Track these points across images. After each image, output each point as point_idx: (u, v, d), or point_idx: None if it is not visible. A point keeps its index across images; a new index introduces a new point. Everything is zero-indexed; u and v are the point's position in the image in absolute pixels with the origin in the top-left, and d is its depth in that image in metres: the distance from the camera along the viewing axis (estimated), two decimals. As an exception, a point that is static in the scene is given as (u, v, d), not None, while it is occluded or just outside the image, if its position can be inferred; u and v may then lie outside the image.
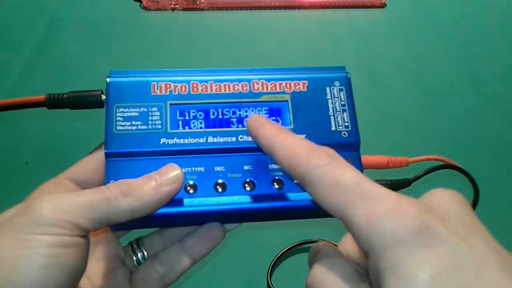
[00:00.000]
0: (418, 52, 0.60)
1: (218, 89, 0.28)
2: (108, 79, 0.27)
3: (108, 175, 0.25)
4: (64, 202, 0.22)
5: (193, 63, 0.57)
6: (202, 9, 0.65)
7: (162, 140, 0.26)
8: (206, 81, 0.28)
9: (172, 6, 0.64)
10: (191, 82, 0.28)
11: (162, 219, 0.25)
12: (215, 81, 0.28)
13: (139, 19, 0.63)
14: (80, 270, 0.22)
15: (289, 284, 0.39)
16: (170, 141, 0.26)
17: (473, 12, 0.67)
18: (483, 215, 0.24)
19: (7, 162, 0.48)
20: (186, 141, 0.26)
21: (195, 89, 0.27)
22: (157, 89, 0.27)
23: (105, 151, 0.26)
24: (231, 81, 0.28)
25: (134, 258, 0.28)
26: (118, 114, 0.26)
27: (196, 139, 0.26)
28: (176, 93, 0.27)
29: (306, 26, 0.63)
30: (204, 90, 0.27)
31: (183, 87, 0.27)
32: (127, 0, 0.65)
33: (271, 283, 0.39)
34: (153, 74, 0.28)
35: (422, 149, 0.41)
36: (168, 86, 0.27)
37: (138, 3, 0.65)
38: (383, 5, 0.66)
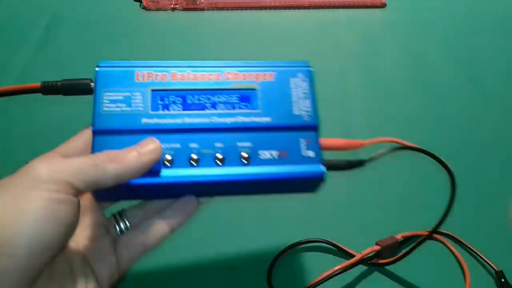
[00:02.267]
0: (418, 52, 0.60)
1: (194, 78, 0.31)
2: (96, 68, 0.30)
3: (95, 149, 0.28)
4: (59, 164, 0.24)
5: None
6: (202, 9, 0.65)
7: (144, 120, 0.29)
8: (185, 70, 0.31)
9: (172, 6, 0.64)
10: (170, 72, 0.31)
11: (143, 188, 0.28)
12: (192, 70, 0.31)
13: (139, 19, 0.63)
14: (72, 226, 0.24)
15: (289, 283, 0.39)
16: (151, 121, 0.29)
17: (472, 12, 0.67)
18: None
19: (7, 158, 0.48)
20: (164, 121, 0.29)
21: (174, 78, 0.31)
22: (140, 77, 0.30)
23: (93, 129, 0.28)
24: (206, 71, 0.31)
25: (117, 227, 0.31)
26: (104, 98, 0.29)
27: (174, 119, 0.29)
28: (157, 80, 0.30)
29: (306, 26, 0.63)
30: (182, 78, 0.31)
31: (164, 75, 0.31)
32: (127, 0, 0.65)
33: (271, 282, 0.38)
34: (137, 64, 0.31)
35: (422, 146, 0.41)
36: (150, 74, 0.31)
37: (138, 3, 0.65)
38: (383, 5, 0.66)
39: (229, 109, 0.30)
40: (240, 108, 0.31)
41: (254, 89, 0.31)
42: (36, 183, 0.23)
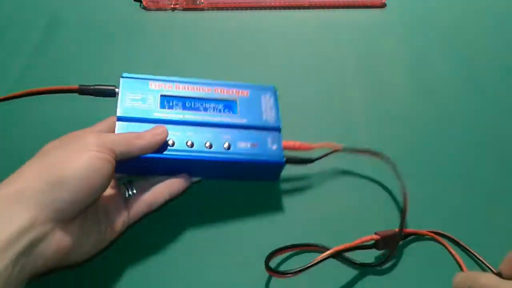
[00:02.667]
0: (418, 52, 0.60)
1: (193, 89, 0.42)
2: (121, 78, 0.41)
3: (118, 131, 0.38)
4: (102, 136, 0.34)
5: (193, 62, 0.57)
6: (202, 9, 0.65)
7: (154, 114, 0.40)
8: (185, 84, 0.42)
9: (172, 6, 0.64)
10: (175, 84, 0.42)
11: (154, 161, 0.38)
12: (191, 85, 0.42)
13: (139, 19, 0.63)
14: (109, 179, 0.33)
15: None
16: (159, 115, 0.40)
17: (473, 12, 0.67)
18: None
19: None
20: (169, 116, 0.40)
21: (177, 88, 0.42)
22: (153, 86, 0.41)
23: (117, 116, 0.39)
24: (201, 85, 0.43)
25: (127, 193, 0.39)
26: (127, 97, 0.40)
27: (176, 115, 0.40)
28: (166, 89, 0.42)
29: (306, 26, 0.63)
30: (184, 89, 0.42)
31: (170, 86, 0.42)
32: (127, 0, 0.65)
33: (270, 267, 0.37)
34: (151, 77, 0.42)
35: (423, 147, 0.41)
36: (160, 84, 0.42)
37: (138, 3, 0.65)
38: (383, 5, 0.66)
39: (216, 112, 0.42)
40: (224, 112, 0.42)
41: (234, 101, 0.43)
42: (87, 145, 0.32)
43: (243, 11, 0.65)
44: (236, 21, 0.64)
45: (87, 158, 0.31)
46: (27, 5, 0.64)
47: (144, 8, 0.64)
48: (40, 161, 0.32)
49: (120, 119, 0.39)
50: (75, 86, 0.42)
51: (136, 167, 0.39)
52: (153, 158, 0.38)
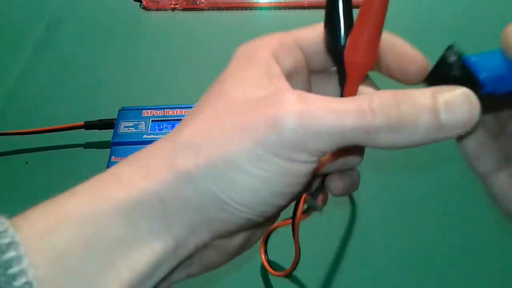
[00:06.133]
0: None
1: (181, 112, 0.47)
2: (119, 111, 0.47)
3: (112, 155, 0.44)
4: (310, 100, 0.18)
5: (193, 63, 0.57)
6: (202, 9, 0.65)
7: (145, 136, 0.45)
8: (174, 109, 0.48)
9: (172, 6, 0.64)
10: (165, 110, 0.47)
11: None
12: (179, 108, 0.48)
13: (139, 19, 0.63)
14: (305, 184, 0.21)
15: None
16: (149, 137, 0.45)
17: (473, 12, 0.67)
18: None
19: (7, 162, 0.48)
20: (158, 136, 0.44)
21: (167, 113, 0.47)
22: (146, 114, 0.47)
23: (112, 141, 0.45)
24: (189, 108, 0.47)
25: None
26: (121, 125, 0.46)
27: (164, 135, 0.40)
28: (156, 115, 0.47)
29: (306, 26, 0.63)
30: (172, 113, 0.47)
31: (161, 112, 0.47)
32: (127, 0, 0.65)
33: (266, 254, 0.38)
34: (145, 107, 0.48)
35: (423, 147, 0.41)
36: (152, 112, 0.47)
37: (138, 3, 0.65)
38: (383, 5, 0.66)
39: None
40: None
41: None
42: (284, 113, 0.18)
43: (243, 11, 0.65)
44: (236, 21, 0.63)
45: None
46: (27, 5, 0.64)
47: (144, 8, 0.64)
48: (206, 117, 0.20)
49: (114, 143, 0.45)
50: (81, 123, 0.47)
51: None
52: None
